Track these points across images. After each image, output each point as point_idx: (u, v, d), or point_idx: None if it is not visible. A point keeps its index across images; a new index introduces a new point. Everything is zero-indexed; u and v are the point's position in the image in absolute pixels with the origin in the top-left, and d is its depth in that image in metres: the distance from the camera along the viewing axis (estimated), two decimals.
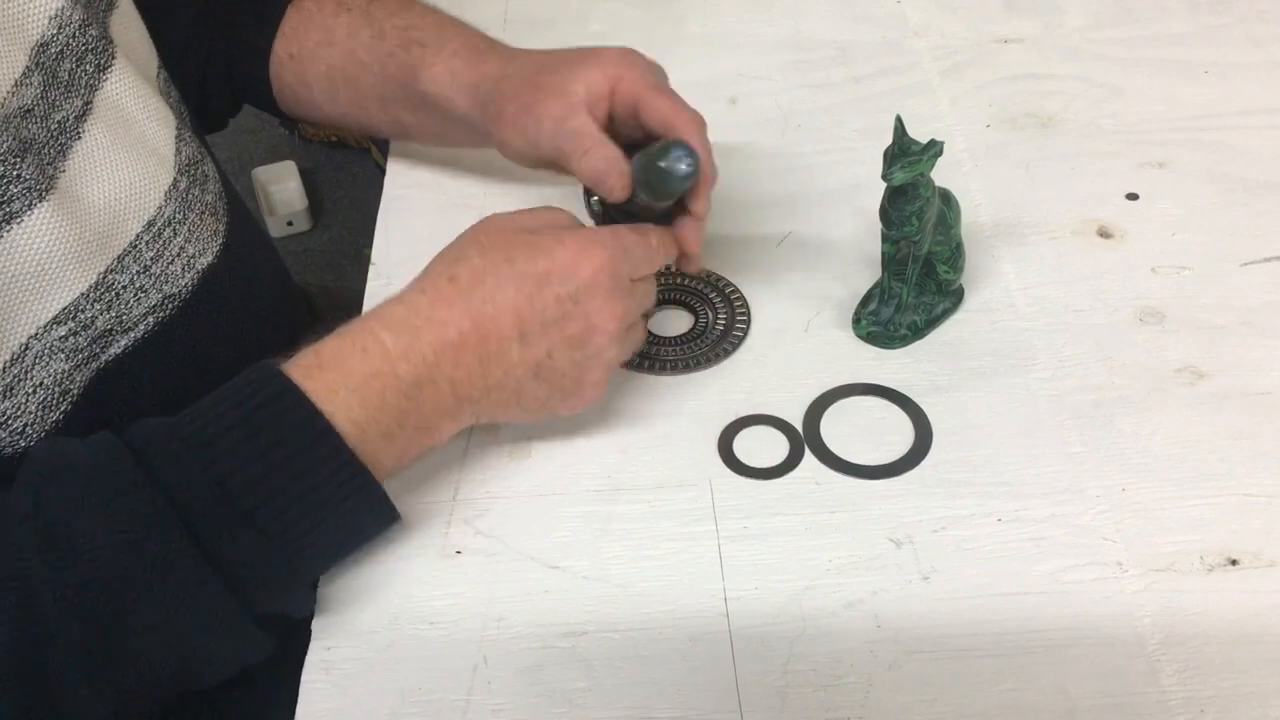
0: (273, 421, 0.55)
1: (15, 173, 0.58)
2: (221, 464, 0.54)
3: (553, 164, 0.73)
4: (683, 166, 0.63)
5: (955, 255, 0.74)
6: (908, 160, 0.67)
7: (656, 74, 0.72)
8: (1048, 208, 0.83)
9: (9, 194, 0.58)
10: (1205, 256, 0.79)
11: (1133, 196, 0.84)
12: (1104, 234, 0.81)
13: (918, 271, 0.73)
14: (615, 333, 0.63)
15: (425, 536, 0.64)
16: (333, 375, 0.58)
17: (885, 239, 0.72)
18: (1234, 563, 0.62)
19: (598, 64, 0.70)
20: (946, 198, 0.72)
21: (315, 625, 0.61)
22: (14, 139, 0.59)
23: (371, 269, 0.80)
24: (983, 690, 0.58)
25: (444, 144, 0.84)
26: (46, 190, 0.60)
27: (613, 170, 0.67)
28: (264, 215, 1.96)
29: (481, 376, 0.61)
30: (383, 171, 0.89)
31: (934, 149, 0.67)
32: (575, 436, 0.69)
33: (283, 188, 1.99)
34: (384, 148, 0.91)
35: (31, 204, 0.59)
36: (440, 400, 0.60)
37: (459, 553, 0.64)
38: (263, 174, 1.99)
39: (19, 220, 0.58)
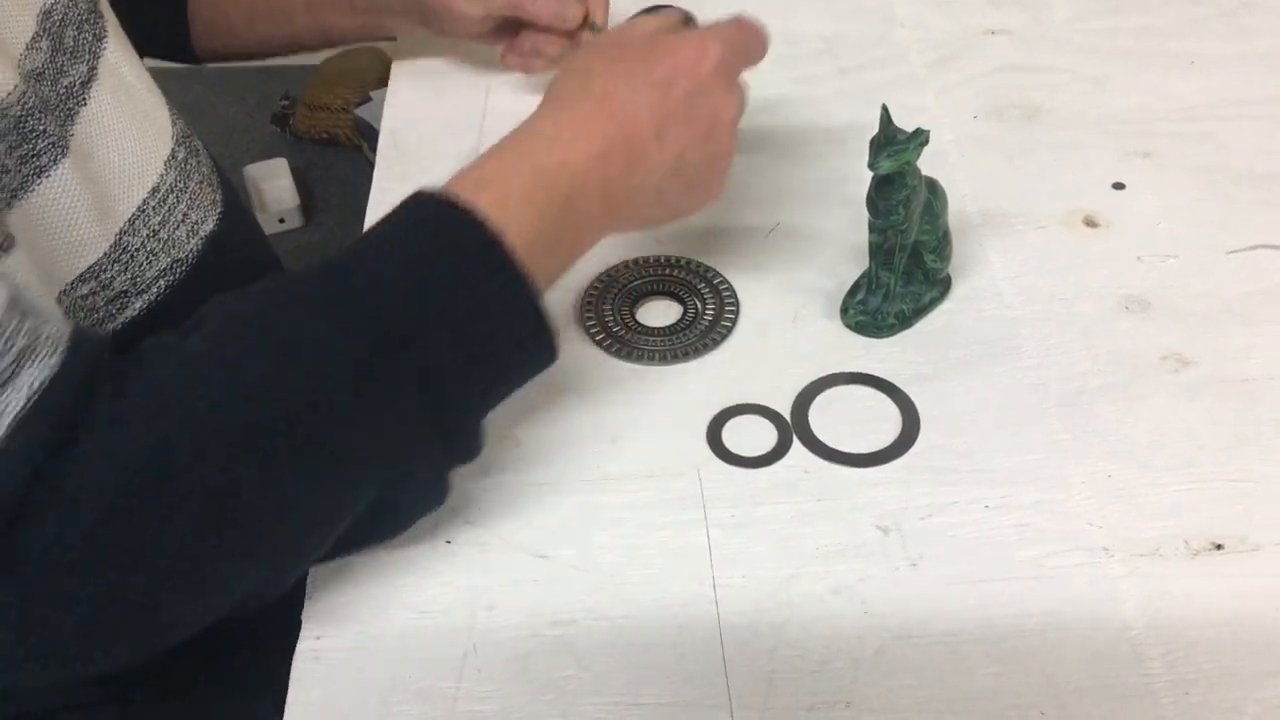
0: (454, 246, 0.57)
1: (41, 128, 0.59)
2: (411, 279, 0.55)
3: (499, 19, 0.85)
4: None
5: (942, 244, 0.74)
6: (894, 149, 0.67)
7: None
8: (1034, 198, 0.84)
9: (38, 148, 0.59)
10: (1190, 245, 0.80)
11: (1119, 186, 0.84)
12: (1090, 223, 0.82)
13: (905, 260, 0.73)
14: (734, 124, 0.66)
15: (415, 526, 0.64)
16: (499, 190, 0.59)
17: (872, 228, 0.72)
18: (1219, 547, 0.63)
19: None
20: (933, 187, 0.72)
21: (305, 614, 0.61)
22: (35, 96, 0.60)
23: None
24: (969, 675, 0.58)
25: (372, 37, 0.92)
26: (65, 149, 0.61)
27: (566, 2, 0.80)
28: (256, 212, 1.96)
29: (626, 181, 0.62)
30: (374, 167, 0.89)
31: (920, 138, 0.67)
32: (564, 426, 0.70)
33: (274, 185, 1.99)
34: (374, 143, 0.92)
35: (56, 159, 0.60)
36: (590, 210, 0.62)
37: (449, 542, 0.64)
38: (254, 171, 1.99)
39: (47, 174, 0.59)
